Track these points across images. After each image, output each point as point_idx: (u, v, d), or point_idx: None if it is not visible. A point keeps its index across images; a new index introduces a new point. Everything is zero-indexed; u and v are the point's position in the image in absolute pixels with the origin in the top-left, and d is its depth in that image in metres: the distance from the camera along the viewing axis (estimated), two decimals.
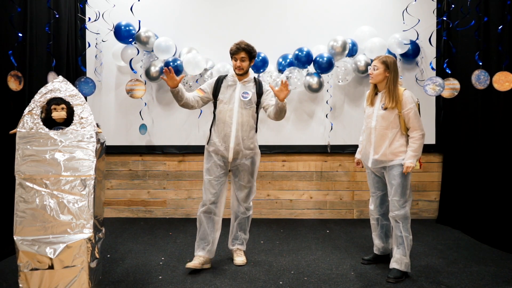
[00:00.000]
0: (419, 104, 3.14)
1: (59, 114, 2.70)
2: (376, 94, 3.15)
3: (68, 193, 2.56)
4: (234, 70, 3.28)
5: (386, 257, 3.35)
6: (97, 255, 2.67)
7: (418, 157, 3.01)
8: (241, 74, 3.28)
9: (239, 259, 3.39)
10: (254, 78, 3.37)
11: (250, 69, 3.39)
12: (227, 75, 3.38)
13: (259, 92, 3.30)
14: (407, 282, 3.01)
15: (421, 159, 3.23)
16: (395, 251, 3.08)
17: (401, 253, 3.03)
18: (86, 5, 4.68)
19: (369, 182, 3.31)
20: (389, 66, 3.04)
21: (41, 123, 2.63)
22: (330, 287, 2.94)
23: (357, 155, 3.38)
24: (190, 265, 3.22)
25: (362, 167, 3.38)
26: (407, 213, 3.02)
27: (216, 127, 3.31)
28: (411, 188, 3.08)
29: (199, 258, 3.27)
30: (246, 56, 3.22)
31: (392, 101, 3.01)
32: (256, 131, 3.37)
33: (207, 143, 3.36)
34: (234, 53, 3.24)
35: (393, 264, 3.06)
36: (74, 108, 2.69)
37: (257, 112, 3.35)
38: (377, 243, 3.35)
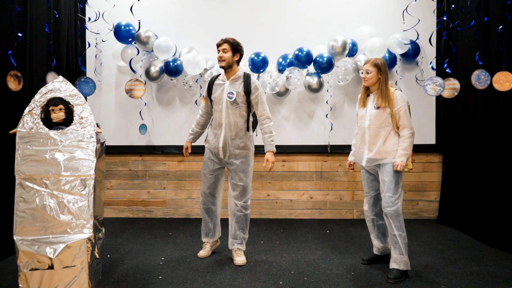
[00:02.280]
0: (409, 105, 3.19)
1: (57, 116, 2.70)
2: (368, 95, 3.22)
3: (68, 193, 2.56)
4: (218, 64, 3.34)
5: (386, 257, 3.34)
6: (97, 255, 2.67)
7: (408, 155, 3.06)
8: (225, 68, 3.32)
9: (240, 259, 3.38)
10: (244, 74, 3.37)
11: (240, 67, 3.41)
12: (220, 74, 3.44)
13: (246, 91, 3.30)
14: (407, 282, 3.01)
15: (413, 159, 3.27)
16: (392, 251, 3.10)
17: (398, 252, 3.05)
18: (86, 5, 4.68)
19: (363, 181, 3.35)
20: (381, 68, 3.12)
21: (41, 123, 2.63)
22: (330, 287, 2.94)
23: (350, 157, 3.42)
24: (201, 255, 3.52)
25: (353, 169, 3.43)
26: (398, 210, 3.04)
27: (211, 126, 3.45)
28: (402, 186, 3.11)
29: (206, 245, 3.56)
30: (229, 47, 3.28)
31: (384, 101, 3.09)
32: (248, 130, 3.37)
33: (205, 139, 3.52)
34: (218, 45, 3.33)
35: (392, 265, 3.07)
36: (74, 108, 2.69)
37: (248, 111, 3.35)
38: (376, 244, 3.36)
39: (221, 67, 3.32)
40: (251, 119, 3.39)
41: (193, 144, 3.70)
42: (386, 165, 3.08)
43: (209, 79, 3.48)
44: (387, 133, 3.10)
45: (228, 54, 3.28)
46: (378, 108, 3.11)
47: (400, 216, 3.05)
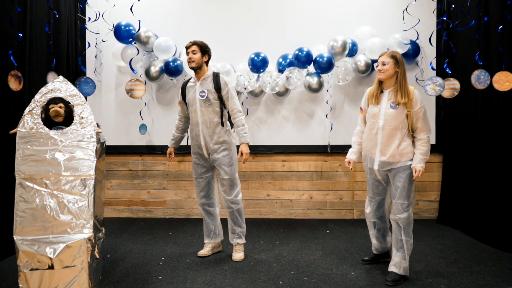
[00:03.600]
0: None
1: (55, 109, 2.68)
2: (381, 92, 3.01)
3: (68, 193, 2.56)
4: (188, 65, 3.41)
5: (385, 254, 3.35)
6: (97, 255, 2.67)
7: (427, 160, 2.90)
8: (195, 69, 3.39)
9: (237, 255, 3.45)
10: (213, 73, 3.44)
11: (209, 66, 3.49)
12: (191, 78, 3.53)
13: (217, 87, 3.38)
14: (407, 282, 3.00)
15: None
16: (394, 254, 3.04)
17: (400, 257, 3.00)
18: (86, 5, 4.68)
19: (368, 186, 3.21)
20: (399, 60, 2.93)
21: (42, 123, 2.63)
22: (330, 287, 2.94)
23: (351, 156, 3.25)
24: (201, 253, 3.54)
25: (351, 169, 3.27)
26: (410, 217, 2.96)
27: (189, 128, 3.53)
28: (414, 191, 3.02)
29: (207, 245, 3.60)
30: (197, 49, 3.37)
31: (404, 97, 2.88)
32: (223, 125, 3.41)
33: (188, 144, 3.61)
34: (186, 47, 3.41)
35: (391, 268, 3.02)
36: (74, 108, 2.69)
37: (221, 107, 3.40)
38: (375, 243, 3.34)
39: (191, 67, 3.40)
40: (225, 114, 3.44)
41: (189, 144, 3.71)
42: (399, 170, 2.94)
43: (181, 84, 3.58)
44: (403, 135, 2.92)
45: (197, 55, 3.37)
46: (396, 106, 2.90)
47: (411, 222, 2.97)
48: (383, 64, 2.94)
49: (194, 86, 3.44)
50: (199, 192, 3.56)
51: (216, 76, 3.41)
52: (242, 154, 3.39)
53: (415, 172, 2.88)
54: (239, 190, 3.47)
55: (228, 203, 3.45)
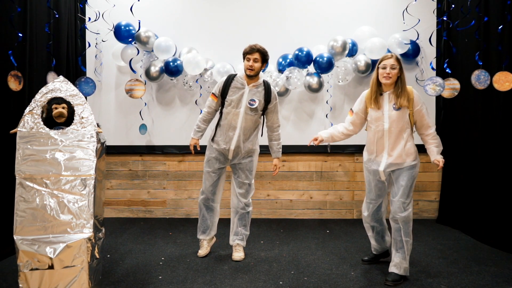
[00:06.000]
0: None
1: (60, 111, 2.71)
2: (381, 94, 2.99)
3: (68, 193, 2.56)
4: (245, 71, 3.30)
5: (385, 253, 3.36)
6: (97, 255, 2.67)
7: (442, 150, 3.01)
8: (251, 76, 3.30)
9: (237, 254, 3.46)
10: (264, 81, 3.39)
11: (261, 73, 3.41)
12: (236, 74, 3.41)
13: (267, 100, 3.36)
14: (407, 282, 3.00)
15: None
16: (394, 254, 3.03)
17: (400, 257, 2.99)
18: (86, 5, 4.68)
19: (370, 188, 3.16)
20: (401, 64, 2.96)
21: (42, 123, 2.63)
22: (330, 287, 2.94)
23: (324, 134, 3.22)
24: (201, 254, 3.54)
25: (319, 143, 3.22)
26: (409, 215, 2.95)
27: (221, 127, 3.42)
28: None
29: (203, 243, 3.58)
30: (259, 58, 3.27)
31: (405, 99, 2.90)
32: (261, 134, 3.49)
33: (212, 139, 3.47)
34: (248, 52, 3.27)
35: (391, 268, 3.02)
36: (75, 108, 2.70)
37: (262, 117, 3.46)
38: (374, 244, 3.34)
39: (248, 75, 3.29)
40: (263, 124, 3.49)
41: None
42: (403, 169, 2.97)
43: (224, 78, 3.41)
44: (408, 135, 2.96)
45: (259, 64, 3.27)
46: (399, 108, 2.92)
47: (411, 221, 2.97)
48: (392, 68, 2.91)
49: (242, 90, 3.33)
50: (208, 186, 3.47)
51: (268, 87, 3.36)
52: (275, 166, 3.52)
53: (439, 163, 2.95)
54: (253, 193, 3.55)
55: (243, 205, 3.47)
